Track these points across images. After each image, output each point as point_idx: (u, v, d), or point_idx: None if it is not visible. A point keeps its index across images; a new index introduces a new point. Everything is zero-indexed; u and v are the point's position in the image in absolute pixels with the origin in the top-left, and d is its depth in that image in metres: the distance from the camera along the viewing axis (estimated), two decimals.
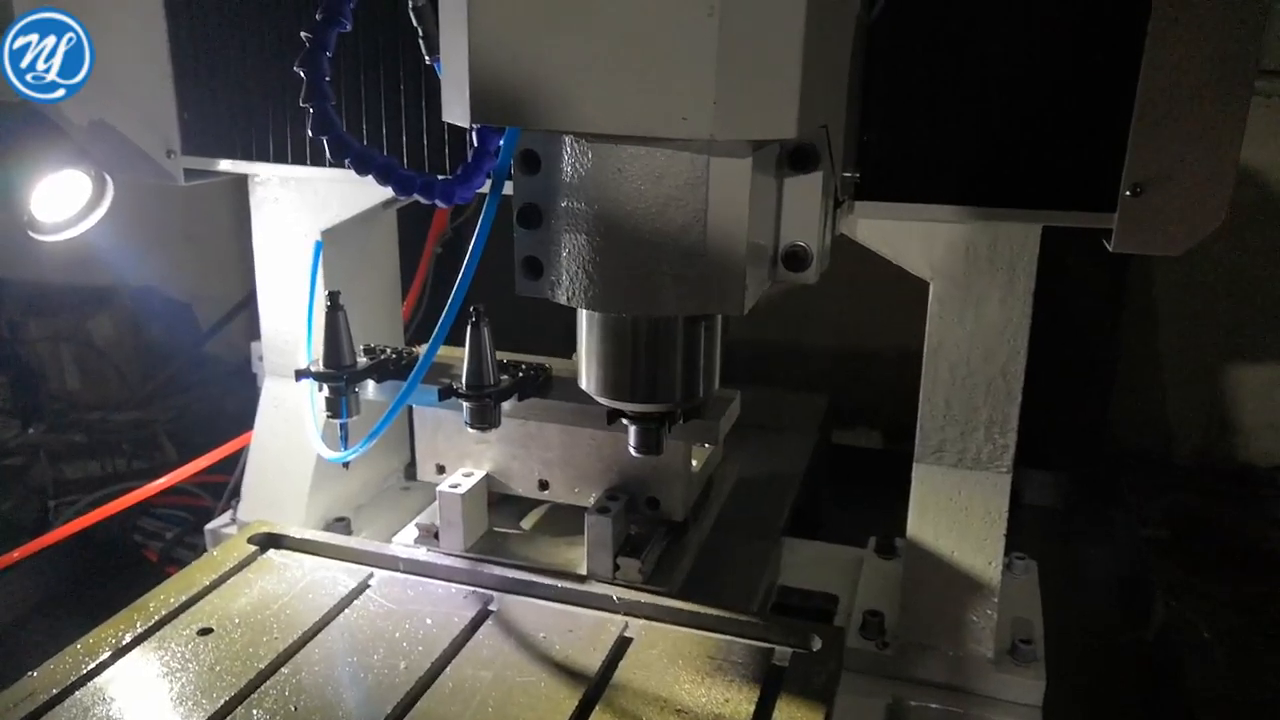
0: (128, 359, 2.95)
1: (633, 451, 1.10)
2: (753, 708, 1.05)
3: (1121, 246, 1.14)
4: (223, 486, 1.78)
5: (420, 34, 1.02)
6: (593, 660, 1.12)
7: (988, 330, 1.28)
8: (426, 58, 1.01)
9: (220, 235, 2.90)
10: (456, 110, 0.90)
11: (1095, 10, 1.10)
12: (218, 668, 1.09)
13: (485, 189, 0.99)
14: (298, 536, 1.35)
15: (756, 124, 0.86)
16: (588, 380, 1.03)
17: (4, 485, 2.39)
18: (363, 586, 1.25)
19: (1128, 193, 1.12)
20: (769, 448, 1.74)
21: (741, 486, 1.56)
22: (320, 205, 1.49)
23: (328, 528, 1.51)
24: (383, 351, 1.29)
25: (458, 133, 1.30)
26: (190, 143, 1.47)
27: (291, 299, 1.53)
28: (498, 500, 1.38)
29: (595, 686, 1.08)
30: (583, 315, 1.01)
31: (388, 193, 1.42)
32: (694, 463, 1.35)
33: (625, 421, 1.09)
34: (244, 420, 1.67)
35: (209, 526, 1.57)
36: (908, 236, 1.27)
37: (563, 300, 0.94)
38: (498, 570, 1.26)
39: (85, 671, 1.08)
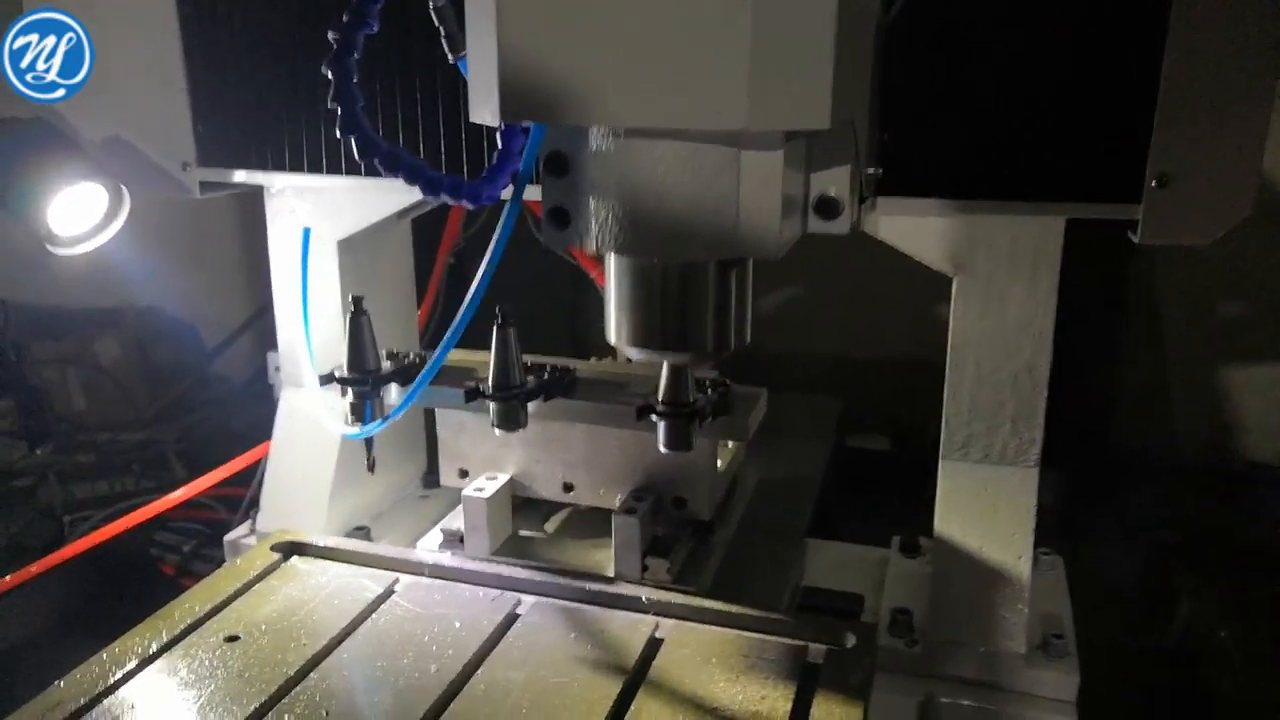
0: (134, 380, 2.91)
1: (661, 449, 1.08)
2: (790, 705, 1.02)
3: (1148, 238, 1.12)
4: (238, 499, 1.75)
5: (443, 33, 1.00)
6: (625, 661, 1.09)
7: (1011, 325, 1.26)
8: (450, 56, 0.99)
9: (225, 255, 2.87)
10: (484, 110, 0.88)
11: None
12: (246, 674, 1.06)
13: (508, 193, 0.98)
14: (321, 544, 1.32)
15: (790, 114, 0.84)
16: (616, 331, 0.99)
17: (13, 506, 2.36)
18: (388, 592, 1.22)
19: (1153, 183, 1.10)
20: (786, 451, 1.71)
21: (762, 488, 1.53)
22: (336, 214, 1.47)
23: (348, 536, 1.48)
24: (405, 356, 1.26)
25: (476, 138, 1.28)
26: (205, 154, 1.45)
27: (309, 309, 1.50)
28: (521, 504, 1.35)
29: (629, 687, 1.05)
30: (611, 264, 0.98)
31: (403, 201, 1.45)
32: (719, 462, 1.32)
33: (654, 419, 1.06)
34: (252, 437, 1.65)
35: (228, 538, 1.54)
36: (929, 232, 1.25)
37: (591, 248, 0.92)
38: (524, 573, 1.23)
39: (112, 681, 1.05)
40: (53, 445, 2.65)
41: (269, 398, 1.93)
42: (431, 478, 1.68)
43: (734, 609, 1.16)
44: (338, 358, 1.43)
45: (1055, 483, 2.34)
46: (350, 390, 1.21)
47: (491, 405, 1.15)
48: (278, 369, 1.58)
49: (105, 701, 1.02)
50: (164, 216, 2.30)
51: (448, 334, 1.04)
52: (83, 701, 1.01)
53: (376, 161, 0.93)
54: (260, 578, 1.24)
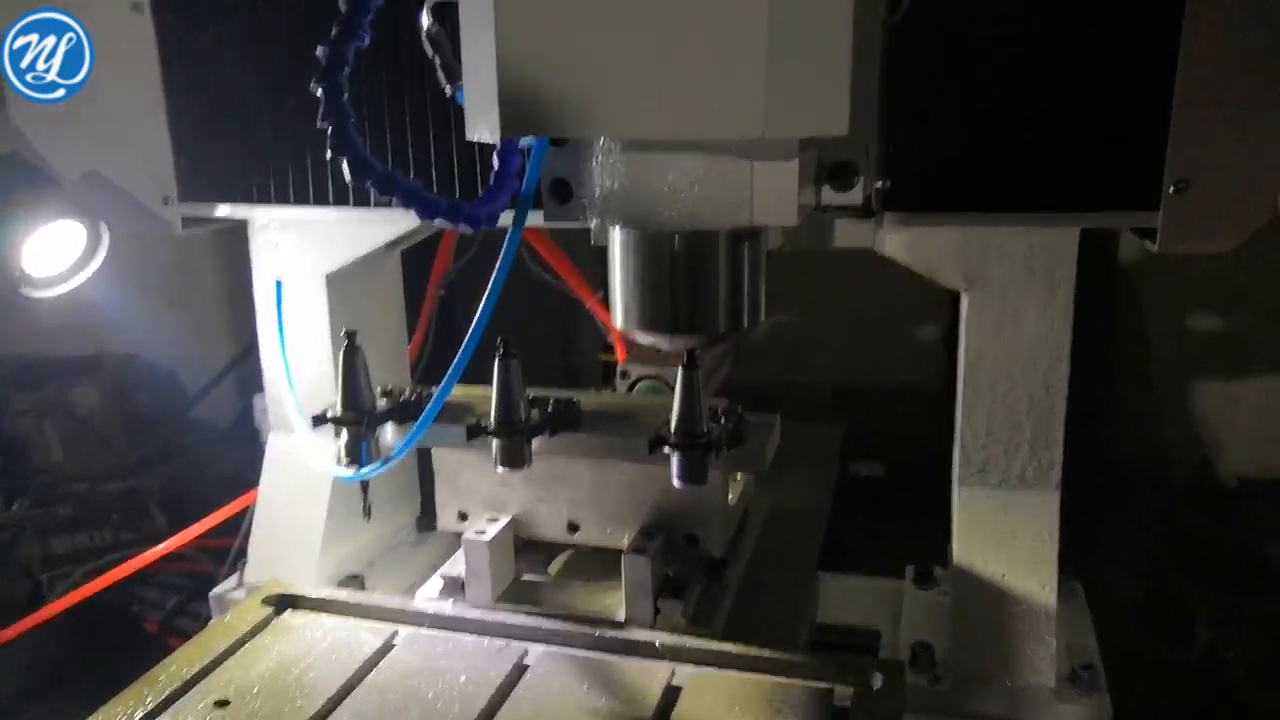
0: (114, 428, 2.82)
1: (676, 483, 1.01)
2: None
3: (1168, 246, 1.07)
4: (223, 551, 1.65)
5: (438, 63, 0.94)
6: (642, 711, 1.01)
7: (1027, 341, 1.20)
8: (446, 87, 0.93)
9: (204, 298, 2.80)
10: (481, 126, 0.81)
11: (1127, 2, 1.03)
12: None
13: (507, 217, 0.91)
14: (315, 596, 1.23)
15: (809, 120, 0.79)
16: (624, 315, 0.94)
17: None
18: (388, 645, 1.13)
19: (1171, 190, 1.05)
20: (790, 479, 1.64)
21: (770, 519, 1.45)
22: (324, 247, 1.40)
23: (340, 585, 1.39)
24: (401, 393, 1.18)
25: (469, 163, 1.21)
26: (188, 188, 1.37)
27: (296, 348, 1.42)
28: (522, 546, 1.26)
29: None
30: (615, 242, 0.93)
31: (393, 231, 1.37)
32: (730, 495, 1.25)
33: (667, 451, 0.99)
34: (236, 483, 1.57)
35: (214, 592, 1.44)
36: (937, 247, 1.20)
37: (595, 219, 0.87)
38: (531, 621, 1.15)
39: None
40: (30, 498, 2.56)
41: (253, 443, 1.85)
42: (426, 521, 1.60)
43: (754, 651, 1.08)
44: (328, 397, 1.35)
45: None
46: (344, 431, 1.13)
47: (494, 442, 1.08)
48: (264, 412, 1.50)
49: None
50: (141, 257, 2.24)
51: (450, 370, 0.97)
52: None
53: (370, 184, 0.87)
54: (252, 634, 1.16)
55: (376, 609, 1.20)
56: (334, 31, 0.84)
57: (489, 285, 0.93)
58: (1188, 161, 1.04)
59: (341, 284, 1.42)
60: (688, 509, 1.18)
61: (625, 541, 1.20)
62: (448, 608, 1.19)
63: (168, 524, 2.31)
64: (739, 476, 1.29)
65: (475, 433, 1.07)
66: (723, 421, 1.06)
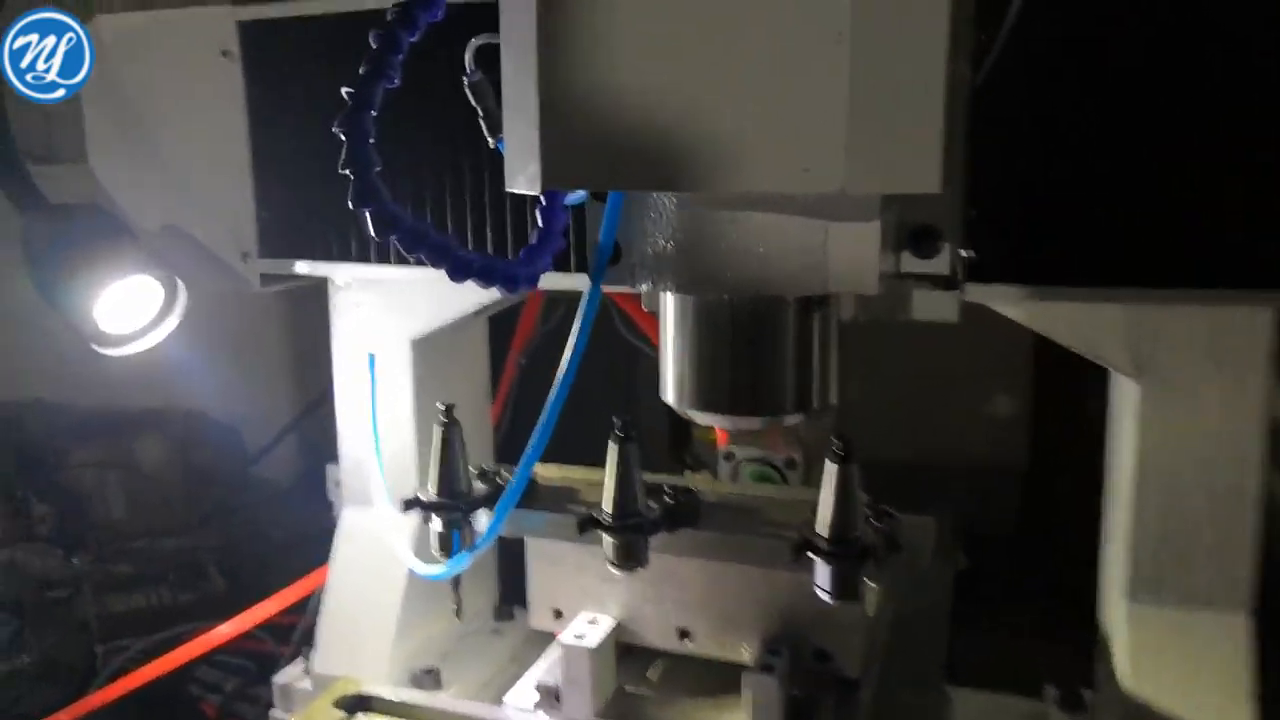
0: (174, 485, 2.78)
1: (826, 599, 0.84)
2: None
3: None
4: (286, 629, 1.51)
5: (480, 112, 0.83)
6: None
7: (1209, 438, 1.02)
8: (490, 139, 0.82)
9: (268, 356, 2.72)
10: (520, 177, 0.70)
11: None
12: None
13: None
14: (393, 698, 1.07)
15: (894, 174, 0.65)
16: (677, 391, 0.82)
17: (48, 620, 2.15)
18: None
19: None
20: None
21: (895, 624, 1.27)
22: (409, 311, 1.27)
23: (414, 680, 1.25)
24: (496, 474, 1.04)
25: (520, 225, 1.09)
26: (268, 244, 1.25)
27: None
28: (620, 652, 1.10)
29: None
30: (667, 308, 0.81)
31: (484, 298, 1.24)
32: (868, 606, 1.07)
33: (811, 556, 0.83)
34: (293, 548, 1.44)
35: (277, 680, 1.30)
36: (1103, 325, 1.03)
37: (645, 286, 0.77)
38: None
39: None
40: (90, 554, 2.49)
41: (312, 503, 1.71)
42: (505, 609, 1.44)
43: None
44: (405, 472, 1.21)
45: None
46: (435, 518, 0.98)
47: (607, 539, 0.92)
48: (338, 484, 1.36)
49: None
50: (208, 313, 2.20)
51: (529, 448, 0.83)
52: None
53: (396, 240, 0.74)
54: None
55: (463, 718, 1.04)
56: (361, 70, 0.71)
57: (565, 355, 0.80)
58: None
59: (427, 351, 1.29)
60: (820, 620, 1.01)
61: (744, 653, 1.03)
62: None
63: (225, 586, 2.23)
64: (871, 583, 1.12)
65: (588, 526, 0.92)
66: (874, 524, 0.90)
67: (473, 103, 0.82)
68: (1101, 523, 1.17)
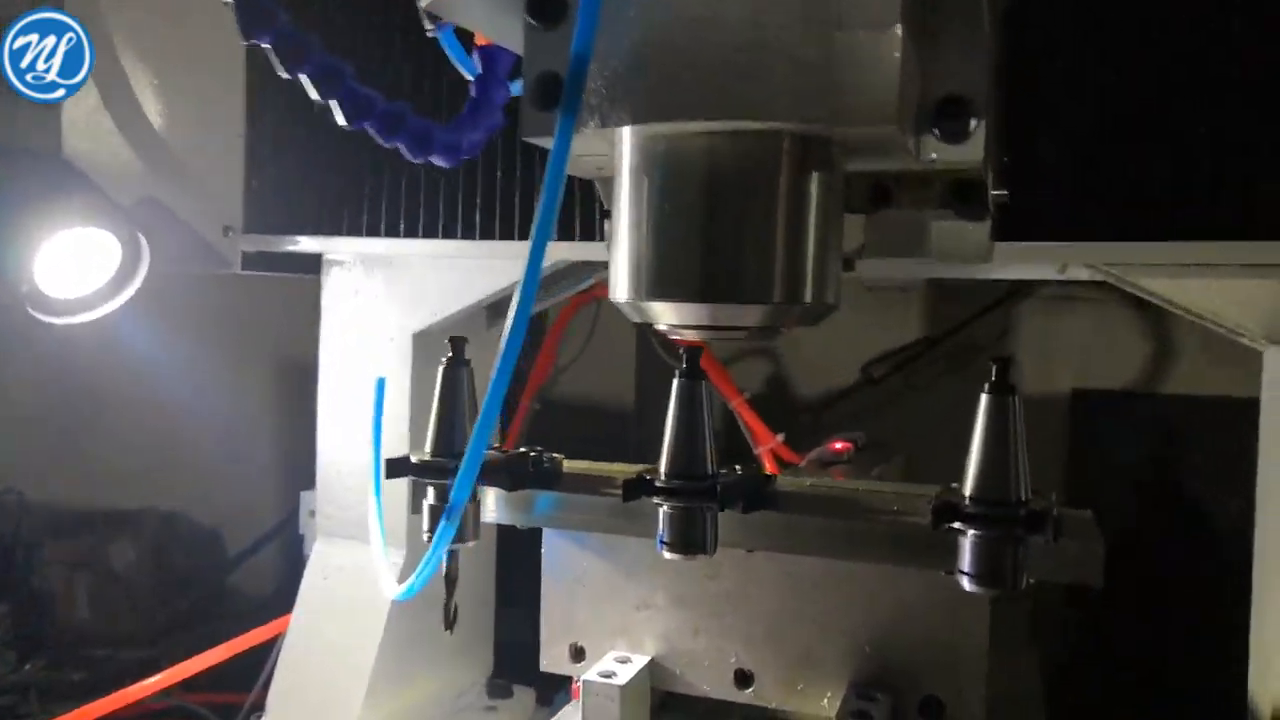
0: (145, 590, 2.55)
1: (967, 585, 0.59)
2: None
3: None
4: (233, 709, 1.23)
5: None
6: None
7: None
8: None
9: (255, 453, 2.52)
10: None
11: None
12: None
13: None
14: None
15: None
16: (630, 275, 0.59)
17: None
18: None
19: None
20: None
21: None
22: (414, 299, 1.06)
23: None
24: (524, 450, 0.78)
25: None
26: (255, 217, 1.05)
27: (364, 430, 1.04)
28: (659, 703, 0.82)
29: None
30: (623, 160, 0.59)
31: (493, 285, 1.03)
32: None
33: (960, 527, 0.58)
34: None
35: None
36: (1232, 295, 0.84)
37: (595, 125, 0.56)
38: None
39: None
40: (44, 659, 2.24)
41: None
42: (501, 684, 1.16)
43: None
44: (399, 501, 0.95)
45: None
46: (431, 488, 0.72)
47: (663, 513, 0.66)
48: (311, 514, 1.11)
49: None
50: (194, 404, 2.08)
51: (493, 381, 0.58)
52: None
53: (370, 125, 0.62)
54: None
55: None
56: None
57: (504, 337, 0.59)
58: None
59: (431, 348, 1.06)
60: (930, 657, 0.74)
61: (826, 706, 0.75)
62: None
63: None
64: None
65: (638, 491, 0.66)
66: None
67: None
68: None
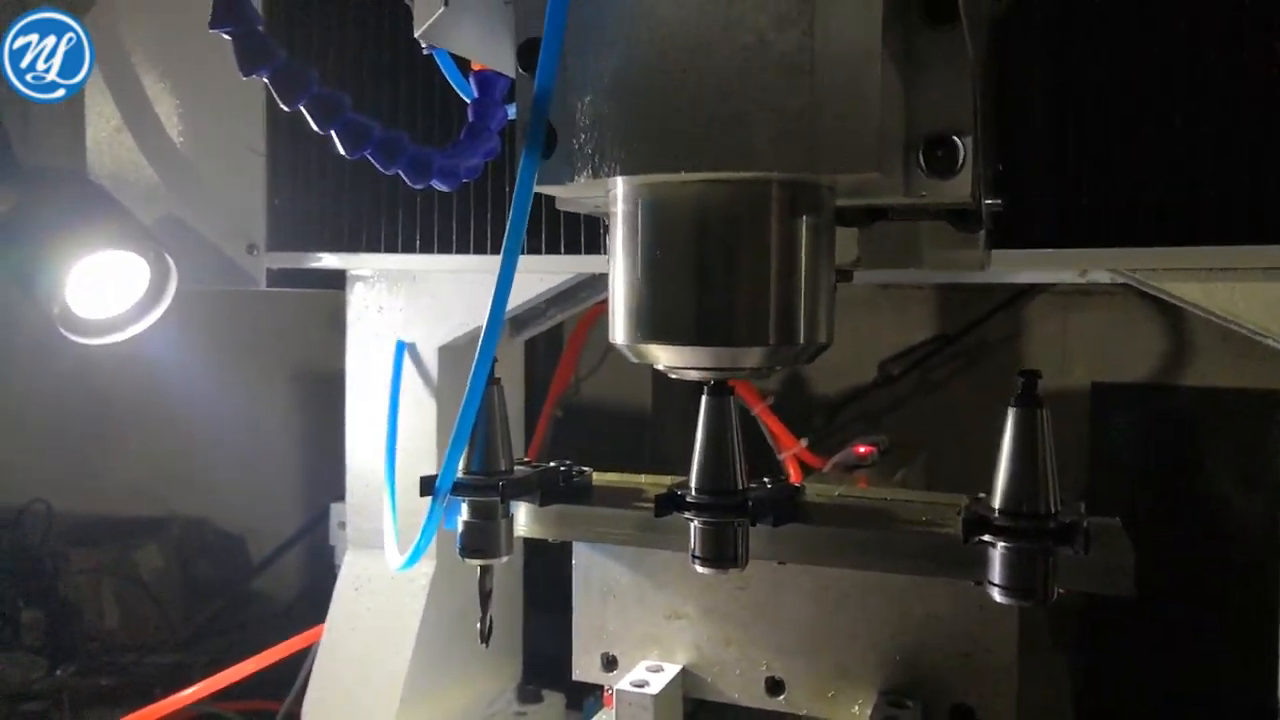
0: (172, 595, 2.58)
1: (998, 596, 0.59)
2: None
3: None
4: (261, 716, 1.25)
5: None
6: None
7: None
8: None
9: (279, 461, 2.54)
10: None
11: None
12: None
13: None
14: None
15: None
16: (626, 321, 0.60)
17: None
18: None
19: None
20: None
21: None
22: (439, 313, 1.06)
23: None
24: (556, 465, 0.79)
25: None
26: (278, 235, 1.05)
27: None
28: (691, 710, 0.83)
29: None
30: (616, 207, 0.60)
31: (517, 298, 1.03)
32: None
33: (989, 540, 0.58)
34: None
35: None
36: (1258, 295, 0.82)
37: (587, 176, 0.56)
38: None
39: None
40: (75, 665, 2.27)
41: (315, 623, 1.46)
42: (530, 690, 1.16)
43: None
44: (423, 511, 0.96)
45: None
46: (467, 506, 0.72)
47: (695, 528, 0.66)
48: (341, 525, 1.11)
49: None
50: (215, 414, 2.14)
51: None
52: None
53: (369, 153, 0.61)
54: None
55: None
56: None
57: (480, 341, 0.63)
58: None
59: (456, 363, 1.07)
60: (961, 665, 0.74)
61: (856, 712, 0.75)
62: None
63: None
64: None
65: (670, 507, 0.66)
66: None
67: None
68: None
